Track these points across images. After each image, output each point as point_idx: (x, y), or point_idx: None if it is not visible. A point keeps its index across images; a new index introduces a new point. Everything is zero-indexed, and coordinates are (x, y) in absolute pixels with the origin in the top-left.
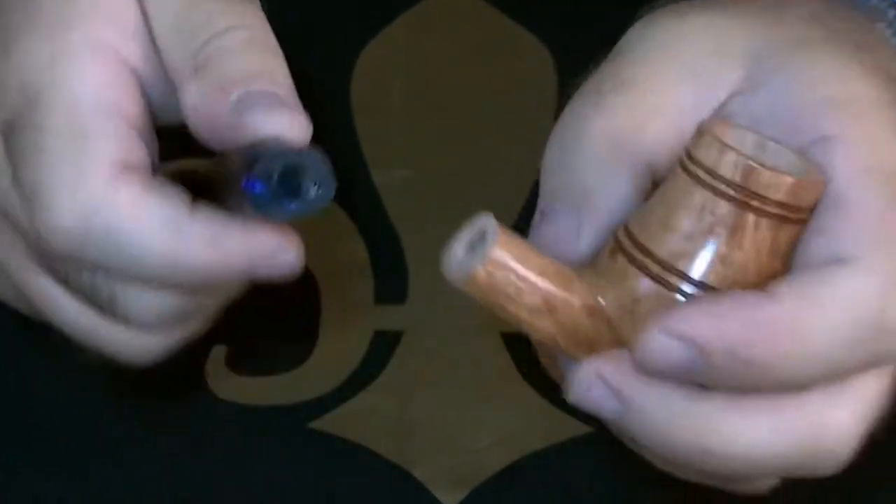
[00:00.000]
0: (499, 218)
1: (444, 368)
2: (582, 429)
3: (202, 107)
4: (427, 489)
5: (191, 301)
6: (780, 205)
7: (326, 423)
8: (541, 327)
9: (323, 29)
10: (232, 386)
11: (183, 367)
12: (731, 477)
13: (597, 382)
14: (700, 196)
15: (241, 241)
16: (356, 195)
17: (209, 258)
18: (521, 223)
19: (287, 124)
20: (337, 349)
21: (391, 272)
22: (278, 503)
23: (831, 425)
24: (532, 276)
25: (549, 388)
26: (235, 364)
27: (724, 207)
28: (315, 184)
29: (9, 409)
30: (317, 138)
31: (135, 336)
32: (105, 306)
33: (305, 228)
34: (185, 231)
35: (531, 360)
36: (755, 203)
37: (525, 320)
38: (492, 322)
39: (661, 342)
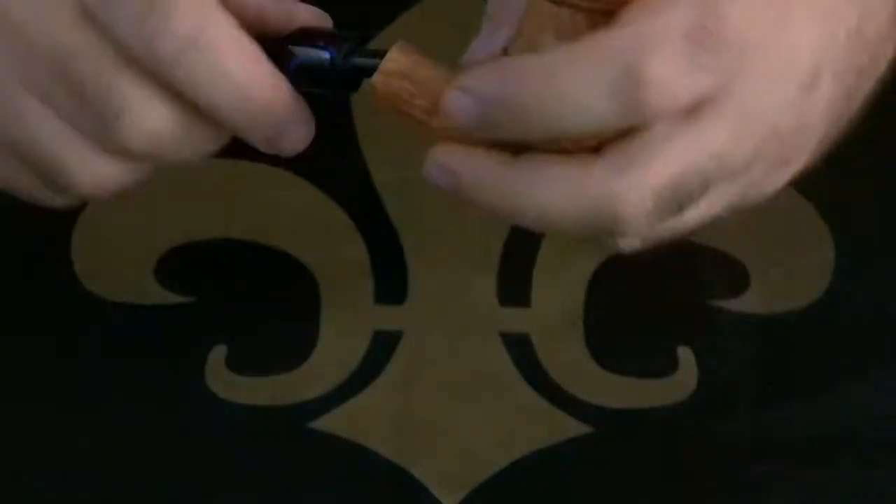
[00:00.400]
0: (497, 219)
1: (444, 368)
2: (582, 429)
3: (249, 4)
4: (427, 489)
5: (187, 137)
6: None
7: (326, 423)
8: (436, 125)
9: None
10: (232, 386)
11: (183, 367)
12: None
13: (436, 166)
14: (536, 2)
15: (292, 96)
16: (356, 195)
17: (271, 99)
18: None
19: (322, 15)
20: (337, 349)
21: (391, 272)
22: (278, 503)
23: (617, 193)
24: (421, 82)
25: (549, 388)
26: (235, 364)
27: (546, 6)
28: (377, 54)
29: (8, 410)
30: (319, 139)
31: (110, 161)
32: (104, 123)
33: (306, 228)
34: (262, 69)
35: (531, 360)
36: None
37: (422, 119)
38: (492, 322)
39: (454, 97)
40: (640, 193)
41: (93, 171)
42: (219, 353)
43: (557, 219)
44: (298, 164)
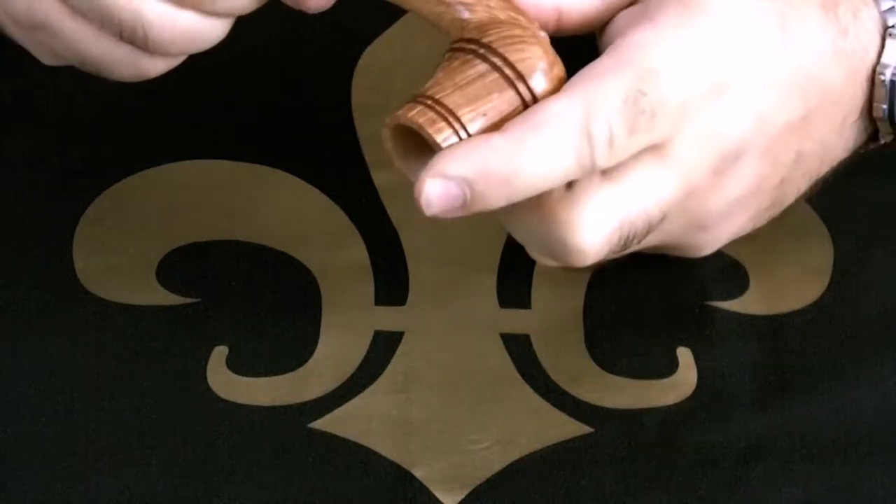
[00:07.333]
0: (497, 220)
1: (444, 368)
2: (582, 429)
3: None
4: (427, 489)
5: (205, 32)
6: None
7: (326, 423)
8: None
9: (324, 31)
10: (233, 386)
11: (184, 367)
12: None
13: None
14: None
15: None
16: (356, 196)
17: None
18: None
19: None
20: (338, 350)
21: (392, 273)
22: (278, 503)
23: (569, 222)
24: None
25: (549, 388)
26: (237, 365)
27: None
28: None
29: (8, 409)
30: (318, 140)
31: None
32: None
33: (307, 230)
34: None
35: (531, 360)
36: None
37: None
38: (492, 323)
39: (434, 185)
40: (592, 225)
41: (171, 25)
42: (220, 353)
43: (520, 226)
44: (300, 166)
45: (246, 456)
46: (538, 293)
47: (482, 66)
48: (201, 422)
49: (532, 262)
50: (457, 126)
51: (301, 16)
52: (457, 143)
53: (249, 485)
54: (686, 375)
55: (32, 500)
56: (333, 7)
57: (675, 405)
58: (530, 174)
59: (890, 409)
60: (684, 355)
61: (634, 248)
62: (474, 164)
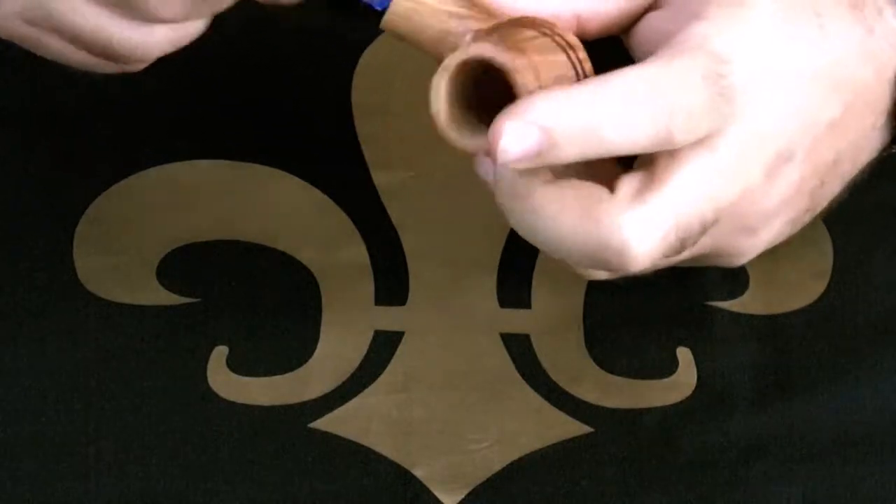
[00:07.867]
0: (497, 220)
1: (444, 368)
2: (582, 429)
3: None
4: (427, 489)
5: (178, 38)
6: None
7: (327, 423)
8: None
9: (325, 31)
10: (233, 386)
11: (185, 367)
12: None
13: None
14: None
15: None
16: (356, 196)
17: None
18: None
19: None
20: (338, 350)
21: (391, 273)
22: (278, 503)
23: (623, 225)
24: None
25: (549, 388)
26: (237, 365)
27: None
28: None
29: (8, 409)
30: (318, 139)
31: (151, 28)
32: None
33: (307, 230)
34: None
35: (531, 360)
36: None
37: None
38: (492, 323)
39: (517, 127)
40: (646, 235)
41: (136, 42)
42: (220, 353)
43: (559, 248)
44: (299, 166)
45: (246, 456)
46: (538, 293)
47: (531, 32)
48: (201, 422)
49: (532, 262)
50: (534, 72)
51: (301, 16)
52: (536, 90)
53: (249, 485)
54: (686, 375)
55: (32, 500)
56: (333, 8)
57: (675, 405)
58: (609, 130)
59: (890, 409)
60: (684, 355)
61: (687, 254)
62: (555, 111)
